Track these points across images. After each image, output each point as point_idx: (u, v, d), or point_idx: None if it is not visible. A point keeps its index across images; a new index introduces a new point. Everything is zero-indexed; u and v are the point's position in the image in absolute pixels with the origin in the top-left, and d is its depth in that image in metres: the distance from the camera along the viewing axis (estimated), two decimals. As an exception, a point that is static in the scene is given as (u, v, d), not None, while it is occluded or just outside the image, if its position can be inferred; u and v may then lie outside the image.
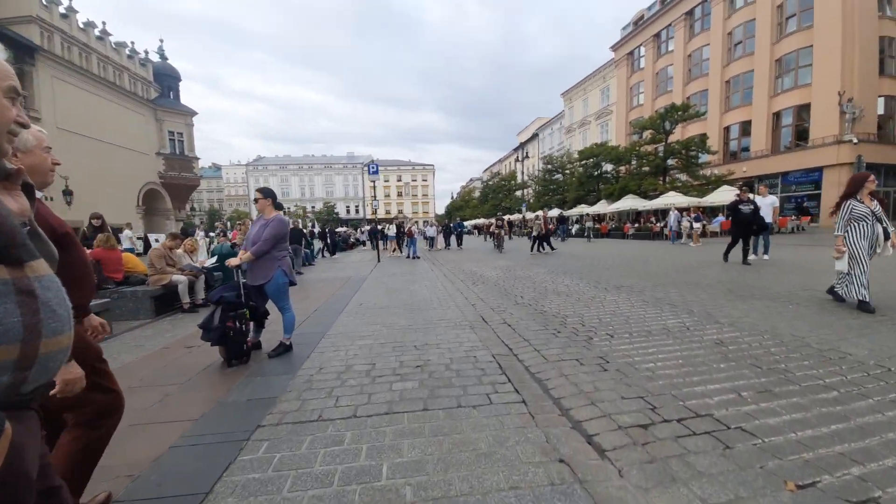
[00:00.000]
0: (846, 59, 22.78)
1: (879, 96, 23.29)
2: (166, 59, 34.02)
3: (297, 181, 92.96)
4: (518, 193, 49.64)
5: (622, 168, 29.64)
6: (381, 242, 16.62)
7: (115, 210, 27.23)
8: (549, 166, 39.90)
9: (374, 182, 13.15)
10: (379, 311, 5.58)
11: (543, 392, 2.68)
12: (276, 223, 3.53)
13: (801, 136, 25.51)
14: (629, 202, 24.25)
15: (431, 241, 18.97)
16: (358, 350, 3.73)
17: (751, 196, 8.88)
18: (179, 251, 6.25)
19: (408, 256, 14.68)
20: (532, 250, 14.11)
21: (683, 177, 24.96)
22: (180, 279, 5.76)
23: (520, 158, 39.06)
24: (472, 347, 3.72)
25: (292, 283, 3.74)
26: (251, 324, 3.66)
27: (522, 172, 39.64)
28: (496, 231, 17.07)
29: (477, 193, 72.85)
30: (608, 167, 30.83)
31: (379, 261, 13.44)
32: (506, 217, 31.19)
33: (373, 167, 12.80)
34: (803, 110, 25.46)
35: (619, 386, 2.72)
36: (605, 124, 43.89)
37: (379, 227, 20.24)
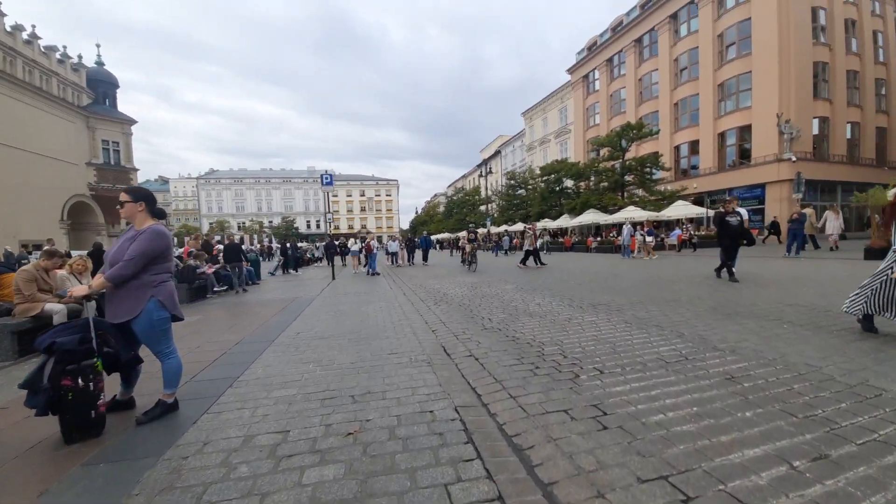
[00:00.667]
0: (783, 83, 24.60)
1: (814, 117, 25.26)
2: (102, 64, 31.37)
3: (254, 195, 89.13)
4: (482, 208, 49.79)
5: (582, 184, 30.21)
6: (337, 258, 15.47)
7: (34, 225, 24.20)
8: (512, 181, 40.26)
9: (329, 193, 12.07)
10: (318, 342, 4.58)
11: (527, 473, 1.85)
12: (149, 236, 2.53)
13: (745, 154, 27.13)
14: (590, 216, 24.58)
15: (394, 256, 17.56)
16: (271, 407, 2.74)
17: (738, 207, 8.62)
18: (61, 272, 4.93)
19: (367, 273, 13.61)
20: (523, 264, 13.40)
21: (640, 192, 25.68)
22: (56, 308, 4.47)
23: (483, 174, 39.17)
24: (429, 396, 2.84)
25: (176, 319, 2.71)
26: (111, 377, 2.58)
27: (486, 188, 39.69)
28: (468, 246, 14.84)
29: (441, 208, 72.69)
30: (569, 183, 31.36)
31: (334, 278, 12.28)
32: (479, 230, 30.84)
33: (326, 177, 11.76)
34: (745, 131, 27.15)
35: (628, 457, 1.94)
36: (564, 142, 45.18)
37: (337, 241, 18.98)
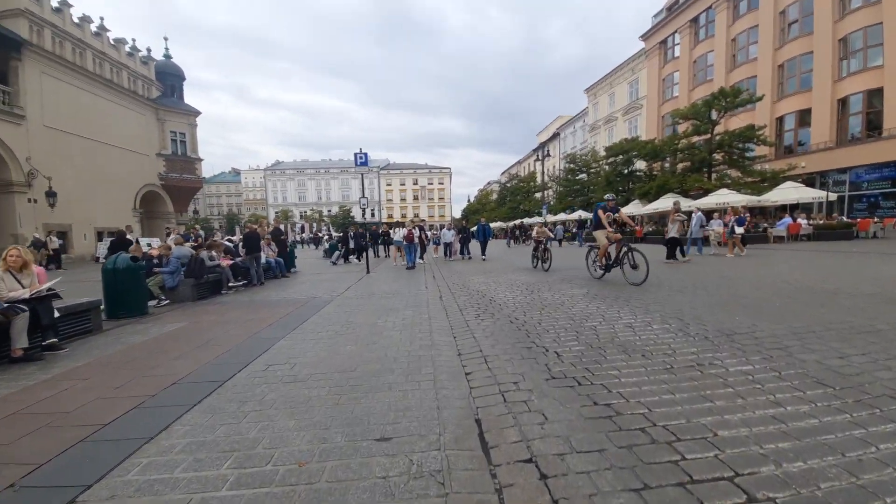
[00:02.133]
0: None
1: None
2: (170, 57, 32.78)
3: (314, 185, 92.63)
4: (538, 195, 46.56)
5: (656, 164, 26.29)
6: (371, 249, 14.12)
7: (110, 213, 25.84)
8: (572, 165, 36.74)
9: (363, 176, 10.62)
10: (285, 388, 2.94)
11: None
12: None
13: (873, 125, 21.71)
14: (670, 201, 20.91)
15: (447, 247, 14.99)
16: None
17: None
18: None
19: (406, 266, 12.05)
20: (672, 258, 10.76)
21: (732, 173, 21.50)
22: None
23: (539, 158, 36.08)
24: None
25: None
26: None
27: (543, 173, 36.61)
28: (540, 236, 11.62)
29: (495, 196, 69.96)
30: (641, 164, 27.53)
31: (368, 272, 10.86)
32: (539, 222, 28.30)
33: (360, 157, 10.27)
34: (875, 95, 21.70)
35: None
36: (633, 120, 40.44)
37: (380, 231, 17.59)
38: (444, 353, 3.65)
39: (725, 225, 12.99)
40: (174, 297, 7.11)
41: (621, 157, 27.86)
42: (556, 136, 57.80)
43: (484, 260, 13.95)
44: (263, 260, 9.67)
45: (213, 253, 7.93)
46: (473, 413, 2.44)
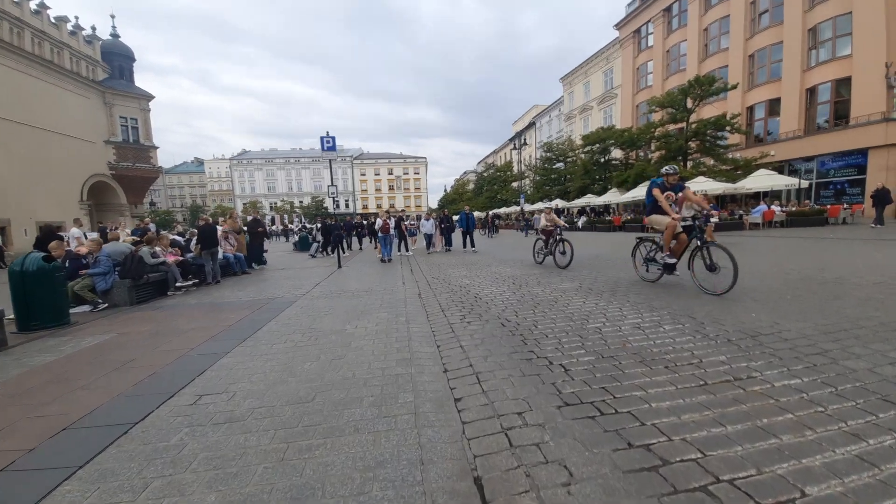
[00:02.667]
0: (892, 25, 19.65)
1: (937, 65, 20.11)
2: (118, 36, 30.07)
3: (284, 175, 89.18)
4: (515, 184, 46.33)
5: (633, 153, 26.33)
6: (344, 242, 13.22)
7: (53, 205, 23.53)
8: (549, 154, 36.53)
9: (331, 162, 9.68)
10: (214, 435, 2.19)
11: None
12: None
13: (841, 114, 22.35)
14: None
15: (428, 239, 13.79)
16: None
17: None
18: None
19: (382, 259, 11.26)
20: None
21: (707, 161, 21.68)
22: None
23: (516, 146, 35.63)
24: None
25: None
26: None
27: (520, 162, 36.23)
28: (550, 227, 10.88)
29: (471, 186, 69.42)
30: (617, 153, 27.52)
31: (339, 266, 10.01)
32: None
33: (327, 140, 9.33)
34: (842, 85, 22.28)
35: None
36: (608, 109, 40.54)
37: (363, 221, 16.58)
38: (427, 369, 2.98)
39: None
40: (111, 301, 6.11)
41: (598, 145, 27.74)
42: (531, 125, 57.60)
43: (474, 251, 12.86)
44: (221, 255, 8.67)
45: (157, 249, 6.90)
46: (470, 466, 1.78)
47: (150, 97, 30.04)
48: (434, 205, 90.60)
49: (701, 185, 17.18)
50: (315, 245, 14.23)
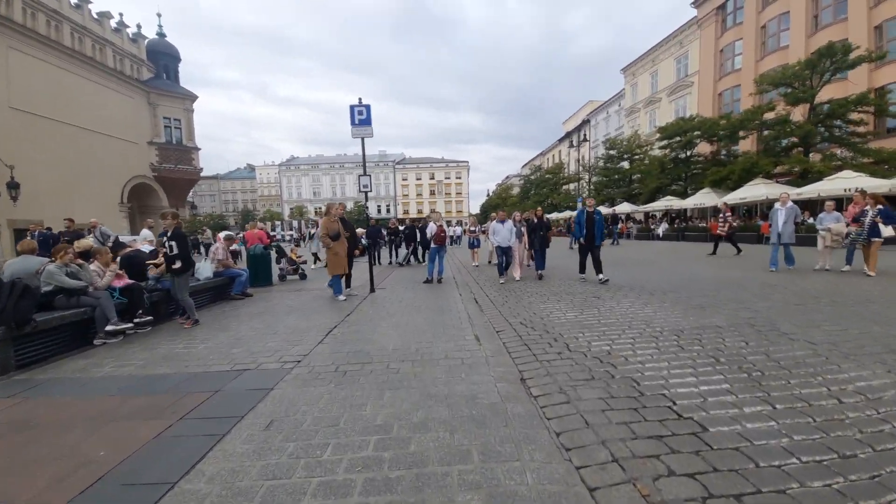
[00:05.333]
0: None
1: None
2: (164, 35, 29.75)
3: (329, 180, 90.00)
4: (569, 186, 42.20)
5: (716, 147, 21.70)
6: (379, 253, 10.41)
7: (92, 207, 22.79)
8: (613, 151, 32.20)
9: (363, 140, 6.82)
10: None
11: None
12: None
13: None
14: (761, 189, 16.44)
15: (504, 255, 7.98)
16: None
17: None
18: None
19: (428, 279, 8.22)
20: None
21: (840, 152, 16.85)
22: None
23: (573, 144, 31.65)
24: None
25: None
26: None
27: (578, 161, 32.19)
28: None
29: (516, 190, 65.55)
30: (704, 148, 22.97)
31: (372, 289, 7.09)
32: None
33: (360, 111, 6.52)
34: None
35: None
36: (681, 99, 35.50)
37: (401, 227, 13.42)
38: None
39: (856, 220, 7.68)
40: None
41: (679, 138, 23.30)
42: (585, 122, 52.87)
43: (603, 280, 7.17)
44: (206, 272, 6.02)
45: (73, 267, 4.26)
46: None
47: (193, 97, 29.40)
48: (475, 210, 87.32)
49: (853, 182, 12.72)
50: (405, 252, 12.17)
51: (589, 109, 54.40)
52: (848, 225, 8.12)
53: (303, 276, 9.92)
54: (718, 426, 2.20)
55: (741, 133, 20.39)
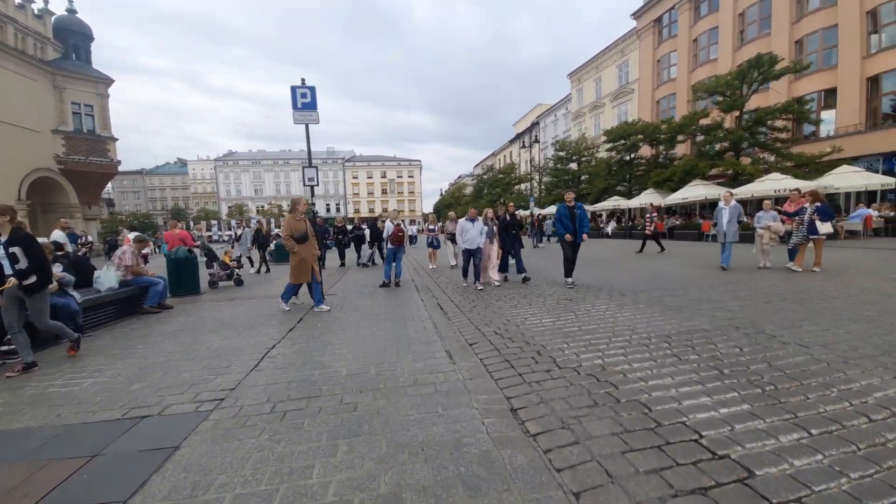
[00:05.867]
0: None
1: None
2: (74, 12, 26.01)
3: (272, 177, 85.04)
4: (522, 186, 43.02)
5: (657, 150, 22.99)
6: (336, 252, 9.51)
7: (-21, 205, 19.44)
8: (562, 153, 33.15)
9: (308, 126, 5.95)
10: None
11: None
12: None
13: (912, 105, 19.26)
14: (700, 190, 17.46)
15: (469, 258, 7.03)
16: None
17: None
18: None
19: (385, 283, 7.48)
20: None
21: (766, 156, 18.35)
22: None
23: (525, 145, 32.18)
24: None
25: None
26: None
27: (529, 162, 32.78)
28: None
29: (468, 190, 65.97)
30: (646, 150, 24.19)
31: (322, 297, 6.22)
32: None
33: (303, 93, 5.65)
34: (911, 72, 19.22)
35: None
36: (623, 105, 37.40)
37: (362, 226, 12.19)
38: None
39: (791, 217, 8.07)
40: None
41: (623, 141, 24.35)
42: (535, 125, 54.34)
43: (569, 285, 6.74)
44: (108, 284, 4.86)
45: None
46: None
47: (109, 81, 25.99)
48: (429, 209, 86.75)
49: (780, 183, 13.77)
50: (369, 252, 11.06)
51: (538, 112, 55.97)
52: (783, 223, 8.58)
53: (238, 283, 8.72)
54: (766, 467, 1.77)
55: (680, 137, 21.63)
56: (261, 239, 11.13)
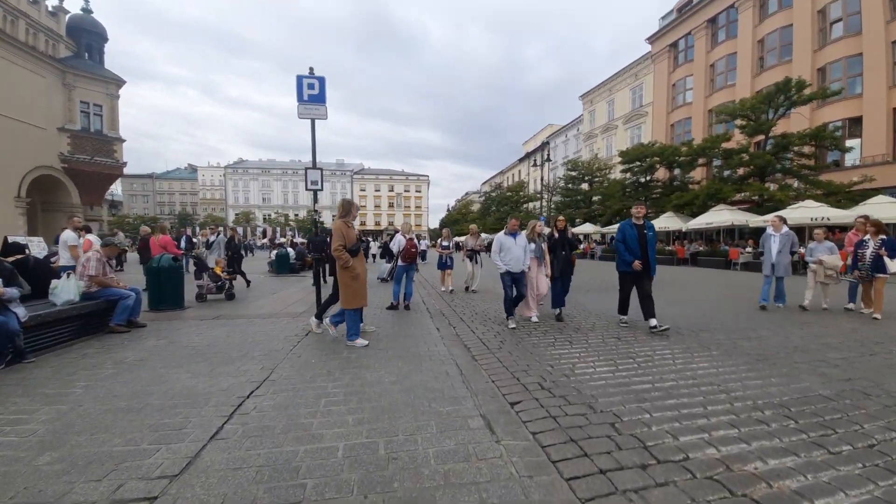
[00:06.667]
0: None
1: None
2: (90, 11, 26.03)
3: (281, 186, 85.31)
4: (531, 205, 42.34)
5: (669, 173, 22.24)
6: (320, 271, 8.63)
7: (-24, 202, 18.86)
8: (574, 172, 32.51)
9: (313, 121, 5.14)
10: None
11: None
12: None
13: (944, 136, 18.49)
14: (725, 215, 16.56)
15: (513, 287, 5.38)
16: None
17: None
18: None
19: (393, 305, 6.57)
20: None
21: (795, 183, 17.51)
22: None
23: (537, 163, 31.55)
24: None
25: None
26: None
27: (541, 180, 32.16)
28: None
29: (476, 206, 65.51)
30: (660, 174, 23.45)
31: (319, 320, 5.29)
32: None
33: (311, 84, 4.89)
34: (944, 102, 18.52)
35: None
36: (636, 128, 36.97)
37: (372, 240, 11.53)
38: None
39: (854, 252, 7.05)
40: None
41: (640, 163, 23.64)
42: (545, 144, 54.02)
43: (659, 330, 4.96)
44: (65, 297, 3.99)
45: None
46: None
47: (120, 82, 25.80)
48: (435, 224, 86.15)
49: (816, 212, 12.86)
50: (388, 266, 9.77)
51: (549, 132, 55.82)
52: (852, 256, 7.46)
53: (230, 296, 7.83)
54: None
55: (700, 160, 20.90)
56: (233, 248, 10.11)
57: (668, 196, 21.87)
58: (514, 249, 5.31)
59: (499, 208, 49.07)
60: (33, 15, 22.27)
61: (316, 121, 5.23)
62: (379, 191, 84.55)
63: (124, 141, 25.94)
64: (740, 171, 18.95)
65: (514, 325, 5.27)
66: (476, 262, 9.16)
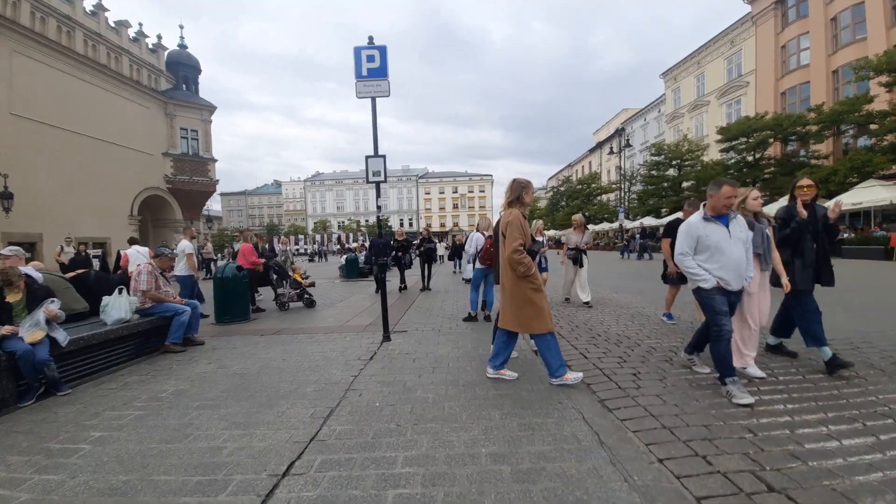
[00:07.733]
0: None
1: None
2: (185, 47, 28.97)
3: (352, 195, 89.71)
4: (604, 197, 38.97)
5: (811, 144, 18.25)
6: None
7: (99, 221, 21.55)
8: (659, 157, 28.93)
9: (374, 100, 4.27)
10: None
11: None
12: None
13: None
14: (880, 193, 12.92)
15: (734, 303, 2.99)
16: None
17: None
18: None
19: (471, 316, 5.50)
20: None
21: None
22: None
23: (615, 150, 28.61)
24: None
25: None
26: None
27: (620, 168, 29.13)
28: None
29: (543, 203, 62.41)
30: (771, 150, 19.54)
31: (387, 337, 4.39)
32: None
33: (370, 56, 4.02)
34: None
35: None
36: (734, 102, 31.99)
37: (399, 237, 9.83)
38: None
39: None
40: None
41: (746, 139, 19.98)
42: (620, 131, 49.62)
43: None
44: (116, 316, 3.52)
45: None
46: None
47: (212, 108, 28.33)
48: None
49: None
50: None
51: (624, 117, 51.24)
52: None
53: (310, 304, 7.38)
54: None
55: (830, 130, 16.96)
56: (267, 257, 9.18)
57: (786, 175, 18.07)
58: (730, 247, 2.84)
59: (568, 202, 46.04)
60: (135, 52, 25.11)
61: (378, 119, 4.37)
62: (443, 193, 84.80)
63: (216, 161, 28.42)
64: (889, 137, 14.90)
65: (750, 400, 2.64)
66: (581, 265, 7.03)
